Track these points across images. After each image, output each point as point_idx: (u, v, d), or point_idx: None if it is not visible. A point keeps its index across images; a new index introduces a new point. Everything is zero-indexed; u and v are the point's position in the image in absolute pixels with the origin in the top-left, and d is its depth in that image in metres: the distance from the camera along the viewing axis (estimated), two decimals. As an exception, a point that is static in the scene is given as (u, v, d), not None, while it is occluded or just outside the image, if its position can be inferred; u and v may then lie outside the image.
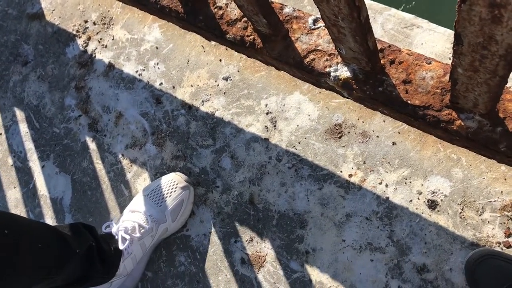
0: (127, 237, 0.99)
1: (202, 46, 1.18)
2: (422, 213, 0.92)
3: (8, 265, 0.74)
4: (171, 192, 1.06)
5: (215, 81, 1.15)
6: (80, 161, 1.23)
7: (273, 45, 0.82)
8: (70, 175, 1.23)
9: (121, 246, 0.98)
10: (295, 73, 0.84)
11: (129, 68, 1.24)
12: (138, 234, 1.01)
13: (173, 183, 1.06)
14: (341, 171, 1.00)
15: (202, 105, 1.15)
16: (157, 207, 1.05)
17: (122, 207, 1.16)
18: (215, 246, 1.06)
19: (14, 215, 0.83)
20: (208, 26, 0.89)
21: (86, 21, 1.34)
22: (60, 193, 1.24)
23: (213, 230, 1.07)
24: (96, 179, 1.21)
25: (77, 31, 1.34)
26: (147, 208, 1.05)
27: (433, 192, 0.92)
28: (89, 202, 1.19)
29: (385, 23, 1.04)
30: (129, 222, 1.02)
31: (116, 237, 0.99)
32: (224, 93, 1.13)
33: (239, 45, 0.87)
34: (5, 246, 0.74)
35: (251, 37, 0.85)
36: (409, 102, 0.72)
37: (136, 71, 1.23)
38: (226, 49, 1.16)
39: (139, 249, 1.03)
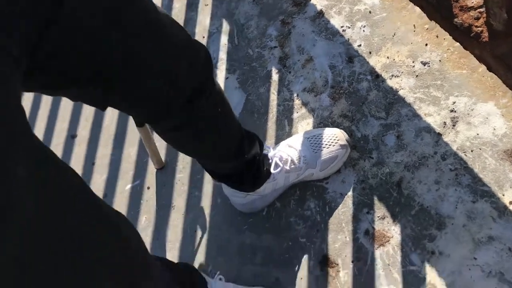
0: (280, 164, 1.07)
1: (413, 25, 1.19)
2: None
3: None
4: (329, 145, 1.11)
5: (412, 62, 1.15)
6: (259, 86, 1.34)
7: (500, 43, 0.81)
8: (246, 94, 1.35)
9: (272, 170, 1.07)
10: (510, 80, 0.82)
11: (336, 21, 1.30)
12: (287, 167, 1.09)
13: (334, 137, 1.12)
14: (503, 195, 0.96)
15: (390, 79, 1.16)
16: (312, 152, 1.11)
17: (278, 139, 1.25)
18: (346, 208, 1.10)
19: None
20: (440, 5, 0.89)
21: (314, -33, 1.41)
22: (232, 106, 1.36)
23: (350, 193, 1.11)
24: (266, 106, 1.31)
25: (303, -27, 1.42)
26: (303, 148, 1.12)
27: None
28: (253, 124, 1.30)
29: None
30: (284, 154, 1.10)
31: (270, 161, 1.08)
32: (417, 76, 1.14)
33: (463, 32, 0.87)
34: None
35: (480, 28, 0.84)
36: None
37: (341, 26, 1.28)
38: (436, 37, 1.15)
39: (282, 180, 1.11)
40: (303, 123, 1.24)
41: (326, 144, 1.11)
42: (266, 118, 1.30)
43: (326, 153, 1.11)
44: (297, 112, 1.26)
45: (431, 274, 0.96)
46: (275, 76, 1.33)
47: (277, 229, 1.15)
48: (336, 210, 1.11)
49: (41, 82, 0.59)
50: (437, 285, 0.95)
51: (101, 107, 0.73)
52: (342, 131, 1.14)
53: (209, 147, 0.93)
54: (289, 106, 1.28)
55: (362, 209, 1.08)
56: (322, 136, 1.13)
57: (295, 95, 1.28)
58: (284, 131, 1.26)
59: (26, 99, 1.73)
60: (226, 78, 1.41)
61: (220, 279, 1.08)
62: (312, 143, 1.13)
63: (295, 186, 1.17)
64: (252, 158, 1.02)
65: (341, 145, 1.11)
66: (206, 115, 0.84)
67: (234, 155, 0.98)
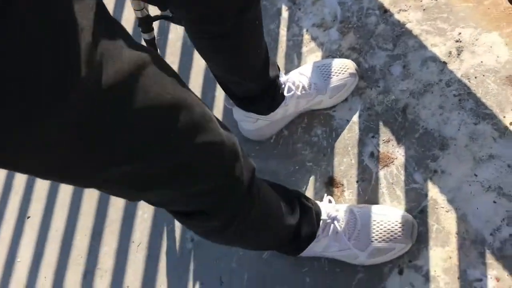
0: (293, 88, 1.11)
1: (423, -38, 1.22)
2: None
3: None
4: (339, 73, 1.15)
5: (420, -3, 1.19)
6: (269, 23, 1.37)
7: (510, -41, 0.84)
8: (255, 30, 1.38)
9: (285, 93, 1.11)
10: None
11: (346, -41, 1.33)
12: (299, 93, 1.13)
13: (344, 66, 1.16)
14: (504, 117, 1.01)
15: (398, 13, 1.20)
16: (322, 79, 1.15)
17: (288, 72, 1.28)
18: (352, 133, 1.14)
19: None
20: None
21: None
22: (241, 41, 1.40)
23: (356, 120, 1.15)
24: (276, 42, 1.34)
25: None
26: (313, 76, 1.16)
27: None
28: (262, 57, 1.34)
29: None
30: (296, 79, 1.14)
31: (283, 85, 1.12)
32: (424, 9, 1.17)
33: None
34: None
35: None
36: None
37: (352, -36, 1.31)
38: (445, -28, 1.18)
39: (293, 105, 1.15)
40: (312, 57, 1.27)
41: (336, 72, 1.15)
42: (275, 52, 1.33)
43: (335, 80, 1.15)
44: (306, 47, 1.29)
45: (432, 191, 1.01)
46: (284, 13, 1.36)
47: (284, 155, 1.19)
48: (342, 135, 1.15)
49: None
50: (438, 201, 1.00)
51: (161, 6, 0.77)
52: (351, 61, 1.18)
53: (242, 60, 0.97)
54: (298, 41, 1.31)
55: (368, 133, 1.13)
56: (332, 65, 1.17)
57: (304, 30, 1.31)
58: (293, 65, 1.29)
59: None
60: (236, 16, 1.44)
61: (330, 201, 1.02)
62: (323, 71, 1.16)
63: (303, 115, 1.21)
64: (273, 79, 1.07)
65: (350, 74, 1.15)
66: (250, 25, 0.89)
67: (260, 73, 1.02)
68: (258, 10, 0.89)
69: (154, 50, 1.20)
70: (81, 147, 0.49)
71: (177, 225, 1.26)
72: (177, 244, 1.24)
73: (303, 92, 1.13)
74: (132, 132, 0.52)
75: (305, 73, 1.17)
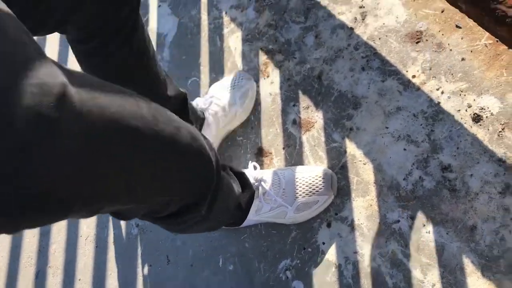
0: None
1: None
2: (465, 123, 1.00)
3: None
4: (236, 85, 1.22)
5: (325, -30, 1.26)
6: (190, 9, 1.42)
7: None
8: (178, 18, 1.43)
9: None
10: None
11: None
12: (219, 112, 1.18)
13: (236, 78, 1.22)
14: (407, 71, 1.09)
15: (307, -13, 1.27)
16: (227, 93, 1.21)
17: (212, 54, 1.34)
18: (275, 105, 1.21)
19: None
20: None
21: None
22: (166, 31, 1.44)
23: (278, 91, 1.22)
24: (198, 27, 1.39)
25: None
26: (227, 96, 1.21)
27: (482, 108, 0.99)
28: (187, 44, 1.38)
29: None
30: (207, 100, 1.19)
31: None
32: (330, -19, 1.25)
33: None
34: None
35: None
36: None
37: None
38: None
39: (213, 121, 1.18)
40: (233, 37, 1.33)
41: (234, 85, 1.21)
42: (199, 37, 1.38)
43: (238, 91, 1.20)
44: (227, 28, 1.35)
45: (350, 147, 1.09)
46: (204, -1, 1.41)
47: (215, 133, 1.25)
48: (267, 108, 1.22)
49: None
50: (356, 155, 1.08)
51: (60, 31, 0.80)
52: (238, 70, 1.24)
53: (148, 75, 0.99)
54: (219, 23, 1.37)
55: (289, 103, 1.19)
56: (227, 81, 1.23)
57: (223, 13, 1.37)
58: (216, 47, 1.34)
59: None
60: (159, 6, 1.48)
61: (255, 167, 1.08)
62: (225, 85, 1.22)
63: (229, 93, 1.27)
64: (184, 98, 1.10)
65: (247, 79, 1.21)
66: (142, 38, 0.91)
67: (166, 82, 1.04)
68: (143, 28, 0.90)
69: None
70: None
71: (122, 213, 1.30)
72: (123, 231, 1.28)
73: (222, 113, 1.18)
74: None
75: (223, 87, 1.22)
